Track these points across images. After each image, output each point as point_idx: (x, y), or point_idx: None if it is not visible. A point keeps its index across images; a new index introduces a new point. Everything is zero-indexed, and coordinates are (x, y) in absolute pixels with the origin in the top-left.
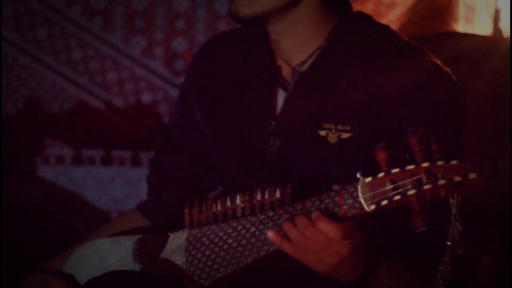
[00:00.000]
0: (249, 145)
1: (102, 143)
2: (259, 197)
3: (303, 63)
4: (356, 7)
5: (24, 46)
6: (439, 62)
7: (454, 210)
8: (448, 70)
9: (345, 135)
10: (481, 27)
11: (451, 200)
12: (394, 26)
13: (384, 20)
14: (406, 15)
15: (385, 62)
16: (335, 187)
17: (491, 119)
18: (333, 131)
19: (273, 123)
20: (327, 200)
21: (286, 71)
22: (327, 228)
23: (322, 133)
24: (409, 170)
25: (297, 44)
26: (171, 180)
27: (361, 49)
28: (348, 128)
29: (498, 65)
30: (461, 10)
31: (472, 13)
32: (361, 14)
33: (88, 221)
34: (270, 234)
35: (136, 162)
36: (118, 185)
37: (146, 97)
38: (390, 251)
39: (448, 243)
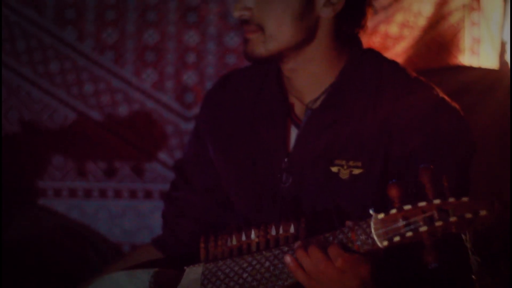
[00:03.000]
0: (262, 181)
1: (114, 175)
2: (273, 232)
3: (315, 100)
4: (363, 40)
5: (37, 80)
6: (446, 98)
7: (469, 245)
8: (456, 105)
9: (357, 171)
10: (487, 59)
11: (463, 236)
12: (400, 59)
13: (391, 53)
14: (412, 48)
15: (394, 98)
16: (348, 223)
17: (496, 151)
18: (345, 167)
19: (286, 160)
20: (340, 236)
21: (298, 108)
22: (339, 258)
23: (334, 169)
24: (421, 207)
25: (309, 82)
26: (185, 215)
27: (371, 86)
28: (359, 164)
29: (502, 98)
30: (467, 42)
31: (478, 45)
32: (371, 51)
33: (101, 254)
34: (288, 259)
35: (147, 195)
36: (130, 217)
37: (157, 130)
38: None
39: (473, 277)
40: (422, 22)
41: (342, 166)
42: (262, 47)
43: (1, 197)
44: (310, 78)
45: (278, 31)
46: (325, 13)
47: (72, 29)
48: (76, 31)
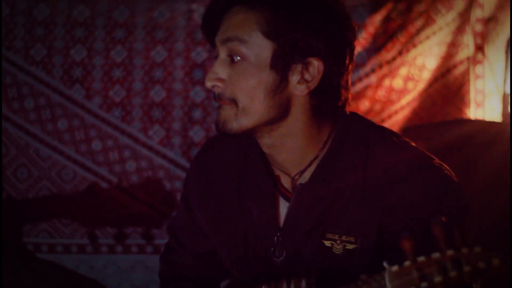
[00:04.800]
0: (255, 255)
1: (122, 232)
2: (285, 287)
3: (301, 172)
4: (369, 93)
5: (45, 138)
6: (436, 162)
7: None
8: (446, 168)
9: (350, 246)
10: (492, 111)
11: (474, 285)
12: (405, 111)
13: (395, 106)
14: (417, 100)
15: (382, 170)
16: (362, 276)
17: (498, 203)
18: (338, 242)
19: (278, 234)
20: None
21: (285, 180)
22: None
23: (327, 243)
24: (435, 258)
25: (291, 156)
26: (181, 277)
27: (359, 158)
28: (352, 239)
29: (505, 150)
30: (472, 94)
31: (482, 98)
32: (355, 118)
33: None
34: None
35: (156, 250)
36: (139, 272)
37: (164, 186)
38: None
39: None
40: (426, 75)
41: (335, 240)
42: (234, 122)
43: (1, 251)
44: (291, 153)
45: (251, 106)
46: (299, 91)
47: (79, 87)
48: (84, 89)
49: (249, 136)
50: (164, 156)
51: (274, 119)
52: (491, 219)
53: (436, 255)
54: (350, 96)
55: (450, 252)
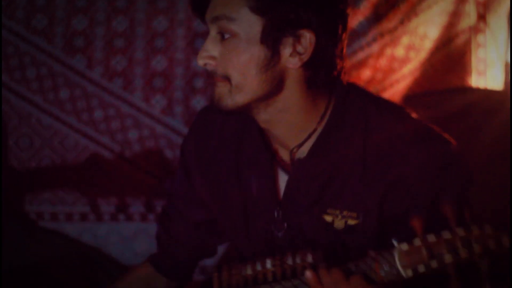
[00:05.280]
0: (256, 229)
1: (124, 200)
2: (290, 262)
3: (300, 146)
4: (370, 62)
5: (47, 107)
6: (435, 130)
7: (485, 269)
8: (446, 136)
9: (352, 222)
10: (494, 80)
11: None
12: (407, 80)
13: (397, 75)
14: (419, 69)
15: (382, 143)
16: (371, 252)
17: (501, 171)
18: (339, 217)
19: (278, 209)
20: (363, 266)
21: (283, 153)
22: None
23: (328, 218)
24: (445, 238)
25: (288, 130)
26: (177, 241)
27: (358, 130)
28: (354, 215)
29: (506, 119)
30: (474, 63)
31: (484, 67)
32: (353, 89)
33: (112, 277)
34: (309, 274)
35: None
36: (141, 240)
37: (166, 155)
38: None
39: None
40: (428, 44)
41: (336, 216)
42: (228, 99)
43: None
44: (288, 127)
45: (244, 82)
46: (292, 64)
47: (81, 57)
48: (85, 59)
49: (244, 112)
50: (166, 125)
51: (269, 94)
52: (492, 187)
53: (446, 234)
54: (345, 65)
55: (460, 232)
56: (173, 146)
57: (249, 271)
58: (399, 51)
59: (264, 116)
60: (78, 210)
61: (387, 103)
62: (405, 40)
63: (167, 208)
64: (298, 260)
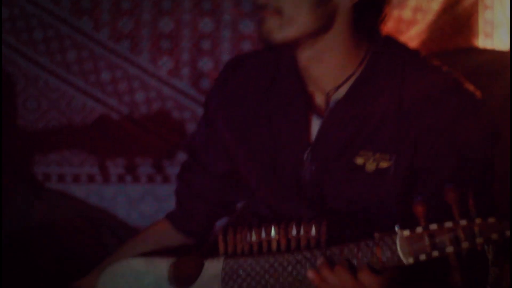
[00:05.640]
0: (283, 171)
1: (131, 162)
2: (294, 233)
3: (337, 88)
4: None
5: (54, 69)
6: (469, 87)
7: (490, 256)
8: (478, 93)
9: (384, 164)
10: (501, 42)
11: (485, 247)
12: (414, 42)
13: (404, 37)
14: (426, 31)
15: (418, 91)
16: (376, 235)
17: (505, 134)
18: (371, 160)
19: (308, 150)
20: (365, 249)
21: (318, 97)
22: (368, 280)
23: (359, 161)
24: (447, 227)
25: (328, 71)
26: (198, 196)
27: (395, 77)
28: (386, 157)
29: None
30: (481, 25)
31: (491, 28)
32: (390, 40)
33: (119, 238)
34: (310, 274)
35: (165, 179)
36: (148, 202)
37: (173, 116)
38: None
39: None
40: (435, 6)
41: (368, 158)
42: (278, 32)
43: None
44: (329, 67)
45: (296, 16)
46: (344, 2)
47: (88, 19)
48: (92, 21)
49: (291, 49)
50: (173, 87)
51: (318, 31)
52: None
53: (448, 224)
54: (388, 13)
55: (463, 223)
56: (180, 108)
57: (254, 237)
58: (406, 13)
59: (308, 54)
60: (85, 171)
61: (423, 55)
62: (412, 1)
63: (188, 163)
64: (302, 232)
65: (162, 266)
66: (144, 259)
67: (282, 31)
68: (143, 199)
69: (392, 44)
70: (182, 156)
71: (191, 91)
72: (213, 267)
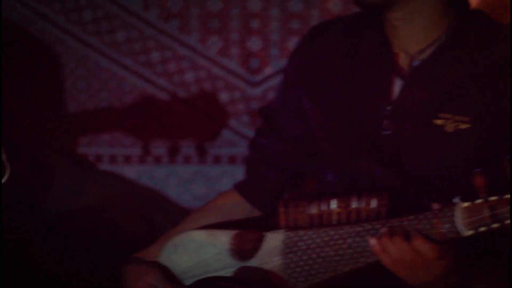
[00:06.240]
0: (361, 129)
1: (182, 143)
2: (355, 205)
3: (421, 51)
4: None
5: (104, 50)
6: None
7: None
8: None
9: (463, 126)
10: None
11: None
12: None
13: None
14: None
15: (504, 61)
16: (435, 205)
17: None
18: (450, 121)
19: (389, 107)
20: (424, 221)
21: (402, 59)
22: (425, 248)
23: (439, 122)
24: (507, 199)
25: (416, 33)
26: (270, 163)
27: (481, 46)
28: (466, 119)
29: None
30: None
31: None
32: (480, 12)
33: (170, 219)
34: (372, 241)
35: (216, 160)
36: (199, 182)
37: (223, 96)
38: (482, 268)
39: None
40: None
41: (447, 119)
42: None
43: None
44: (417, 29)
45: None
46: None
47: None
48: (141, 0)
49: (385, 9)
50: (222, 67)
51: None
52: None
53: (507, 196)
54: None
55: None
56: (229, 88)
57: (314, 210)
58: None
59: (398, 14)
60: (136, 152)
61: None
62: None
63: (263, 128)
64: (362, 204)
65: (223, 238)
66: (205, 232)
67: None
68: (194, 180)
69: (479, 15)
70: (229, 136)
71: (241, 70)
72: (274, 239)
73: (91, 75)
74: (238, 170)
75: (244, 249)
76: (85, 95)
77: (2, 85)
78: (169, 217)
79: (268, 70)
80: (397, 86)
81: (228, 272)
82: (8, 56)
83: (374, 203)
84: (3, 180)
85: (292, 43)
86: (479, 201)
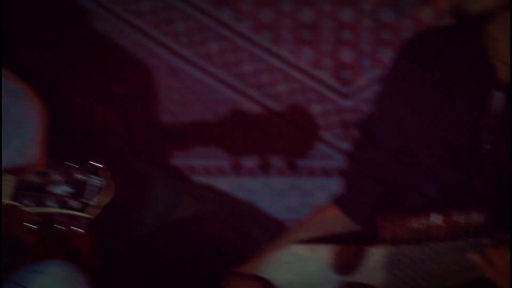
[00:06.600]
0: (460, 142)
1: (275, 155)
2: (458, 219)
3: None
4: None
5: (197, 61)
6: None
7: None
8: None
9: None
10: None
11: None
12: None
13: None
14: None
15: None
16: None
17: None
18: None
19: (490, 120)
20: None
21: (502, 71)
22: None
23: None
24: None
25: None
26: (370, 176)
27: None
28: None
29: None
30: None
31: None
32: None
33: (265, 231)
34: (477, 256)
35: (310, 172)
36: (293, 195)
37: (315, 108)
38: None
39: None
40: None
41: None
42: (476, 4)
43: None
44: None
45: None
46: None
47: (228, 9)
48: (233, 12)
49: (482, 21)
50: (314, 78)
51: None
52: None
53: None
54: None
55: None
56: (322, 99)
57: (415, 223)
58: None
59: (498, 27)
60: (229, 164)
61: None
62: None
63: (361, 141)
64: (463, 218)
65: (325, 253)
66: (307, 246)
67: (478, 3)
68: (288, 192)
69: None
70: (322, 148)
71: (333, 82)
72: (376, 255)
73: (185, 87)
74: (332, 183)
75: (346, 264)
76: (179, 107)
77: (100, 98)
78: (263, 229)
79: (360, 81)
80: (498, 97)
81: (331, 287)
82: (104, 70)
83: (475, 217)
84: (108, 201)
85: (384, 53)
86: None
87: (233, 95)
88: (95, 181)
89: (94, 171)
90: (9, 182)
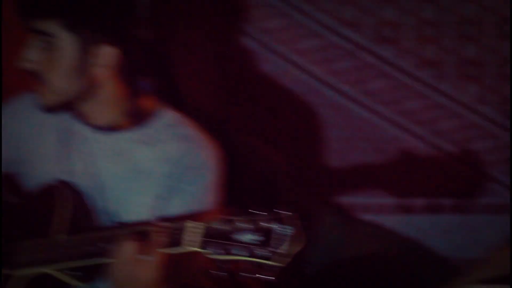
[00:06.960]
0: None
1: (441, 192)
2: None
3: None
4: None
5: (358, 98)
6: None
7: None
8: None
9: None
10: None
11: None
12: None
13: None
14: None
15: None
16: None
17: None
18: None
19: None
20: None
21: None
22: None
23: None
24: None
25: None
26: None
27: None
28: None
29: None
30: None
31: None
32: None
33: (435, 270)
34: None
35: (482, 210)
36: (462, 232)
37: (481, 144)
38: None
39: None
40: None
41: None
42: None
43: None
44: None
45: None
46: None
47: (389, 47)
48: (395, 49)
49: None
50: (479, 114)
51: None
52: None
53: None
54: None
55: None
56: (487, 135)
57: None
58: None
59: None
60: (397, 202)
61: None
62: None
63: None
64: None
65: None
66: (488, 286)
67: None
68: (457, 230)
69: None
70: (491, 185)
71: (498, 117)
72: None
73: (344, 122)
74: (500, 220)
75: None
76: (343, 144)
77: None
78: (433, 268)
79: None
80: None
81: None
82: (267, 108)
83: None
84: (298, 249)
85: None
86: None
87: (398, 132)
88: (283, 229)
89: (281, 219)
90: (197, 230)
